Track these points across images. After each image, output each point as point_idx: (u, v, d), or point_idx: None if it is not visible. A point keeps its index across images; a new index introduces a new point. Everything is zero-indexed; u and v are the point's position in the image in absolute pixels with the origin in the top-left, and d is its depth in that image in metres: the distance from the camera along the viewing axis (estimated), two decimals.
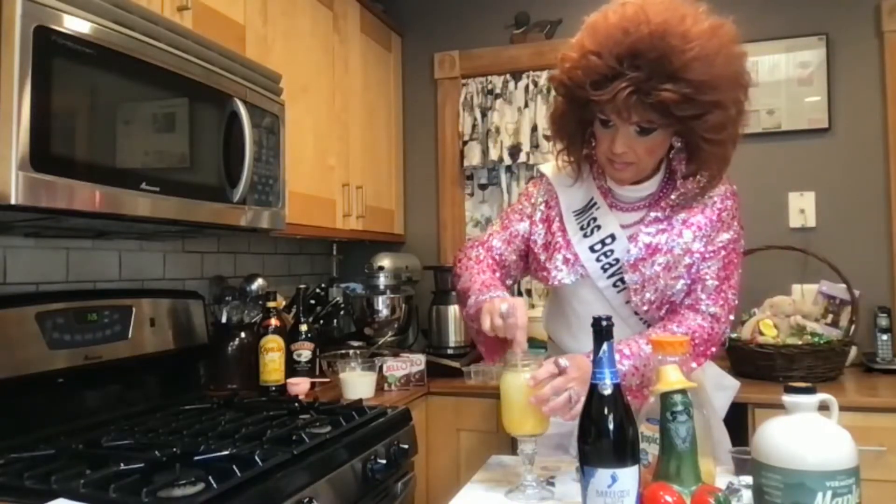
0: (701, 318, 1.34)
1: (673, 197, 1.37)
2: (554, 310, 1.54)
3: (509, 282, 1.51)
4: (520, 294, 2.84)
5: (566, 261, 1.40)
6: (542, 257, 1.43)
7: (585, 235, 1.40)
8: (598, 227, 1.39)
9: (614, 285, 1.38)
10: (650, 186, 1.39)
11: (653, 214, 1.38)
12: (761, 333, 2.16)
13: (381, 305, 2.65)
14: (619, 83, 1.17)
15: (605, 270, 1.38)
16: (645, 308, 1.37)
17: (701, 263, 1.35)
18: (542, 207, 1.47)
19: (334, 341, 2.59)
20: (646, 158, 1.31)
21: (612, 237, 1.38)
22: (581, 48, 1.24)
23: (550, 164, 1.52)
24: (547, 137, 2.75)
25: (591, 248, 1.39)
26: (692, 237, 1.35)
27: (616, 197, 1.41)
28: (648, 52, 1.15)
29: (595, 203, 1.42)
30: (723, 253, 1.36)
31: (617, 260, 1.37)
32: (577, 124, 1.36)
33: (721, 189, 1.39)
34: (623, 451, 0.90)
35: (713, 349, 1.37)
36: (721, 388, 1.56)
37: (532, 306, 2.76)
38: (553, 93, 1.45)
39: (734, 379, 1.64)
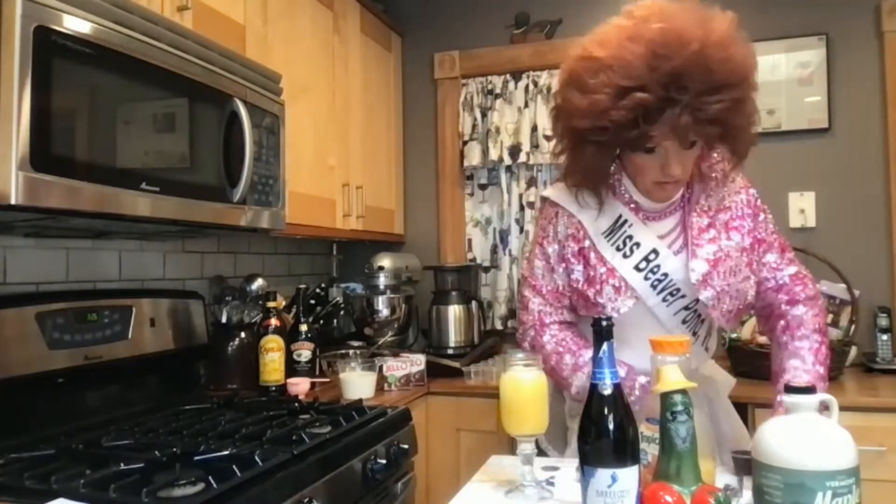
0: (803, 305, 1.39)
1: (703, 201, 1.38)
2: (584, 325, 1.46)
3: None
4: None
5: (616, 289, 1.34)
6: (591, 293, 1.36)
7: (626, 256, 1.35)
8: (637, 244, 1.35)
9: (664, 300, 1.34)
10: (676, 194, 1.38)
11: (696, 223, 1.35)
12: (761, 333, 2.16)
13: (381, 305, 2.65)
14: (672, 111, 1.13)
15: (654, 287, 1.34)
16: (725, 319, 1.35)
17: (762, 256, 1.39)
18: (571, 243, 1.41)
19: (334, 341, 2.59)
20: (687, 172, 1.29)
21: (656, 252, 1.34)
22: (614, 86, 1.15)
23: (558, 191, 1.44)
24: (548, 138, 2.75)
25: (637, 268, 1.34)
26: (741, 237, 1.37)
27: (646, 209, 1.37)
28: (693, 72, 1.12)
29: (625, 220, 1.36)
30: (774, 236, 1.41)
31: (665, 275, 1.33)
32: (607, 162, 1.31)
33: (738, 183, 1.42)
34: (623, 451, 0.90)
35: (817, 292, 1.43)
36: (720, 384, 1.55)
37: None
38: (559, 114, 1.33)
39: (729, 376, 1.63)
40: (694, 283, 1.31)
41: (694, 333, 1.38)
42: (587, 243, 1.38)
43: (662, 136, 1.19)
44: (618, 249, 1.35)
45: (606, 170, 1.34)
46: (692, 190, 1.39)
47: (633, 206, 1.37)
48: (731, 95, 1.14)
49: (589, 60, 1.20)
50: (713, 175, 1.38)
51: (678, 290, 1.34)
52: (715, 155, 1.37)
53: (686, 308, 1.35)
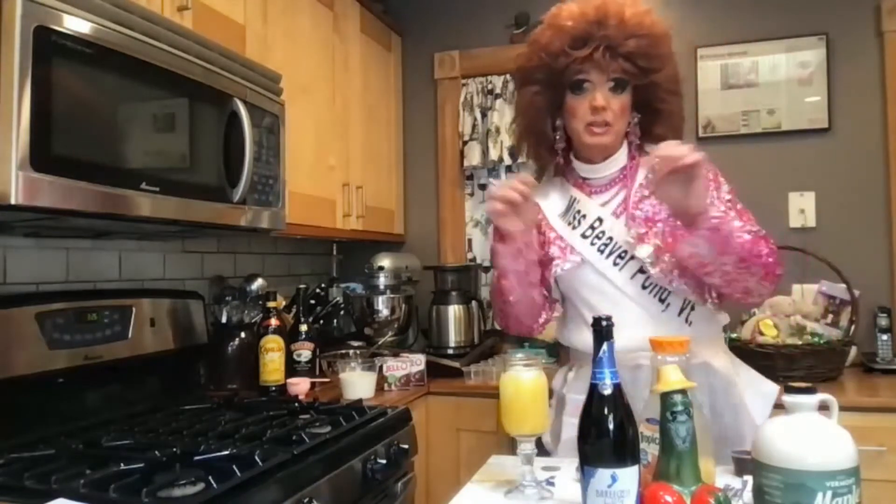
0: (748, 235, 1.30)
1: (644, 176, 1.43)
2: (567, 319, 1.54)
3: (552, 299, 1.55)
4: None
5: (561, 249, 1.46)
6: (542, 255, 1.48)
7: (574, 227, 1.47)
8: (584, 216, 1.46)
9: (614, 264, 1.41)
10: (620, 159, 1.47)
11: (638, 194, 1.44)
12: (761, 333, 2.16)
13: (381, 305, 2.65)
14: (593, 42, 1.36)
15: (601, 252, 1.42)
16: (669, 279, 1.38)
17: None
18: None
19: (334, 341, 2.59)
20: (619, 120, 1.42)
21: (599, 220, 1.44)
22: (552, 26, 1.42)
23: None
24: None
25: (583, 235, 1.45)
26: None
27: (591, 183, 1.49)
28: (610, 19, 1.36)
29: (575, 199, 1.49)
30: (729, 204, 1.38)
31: (611, 238, 1.42)
32: (546, 111, 1.47)
33: None
34: (623, 451, 0.90)
35: (779, 268, 1.36)
36: (760, 394, 1.48)
37: None
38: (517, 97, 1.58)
39: (773, 383, 1.53)
40: (631, 239, 1.39)
41: (661, 300, 1.39)
42: (541, 217, 1.51)
43: (587, 65, 1.38)
44: (568, 223, 1.48)
45: (547, 125, 1.49)
46: (635, 167, 1.47)
47: (580, 181, 1.51)
48: (643, 44, 1.37)
49: (540, 27, 1.46)
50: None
51: (625, 252, 1.40)
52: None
53: (641, 272, 1.39)
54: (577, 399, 1.43)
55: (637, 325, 1.31)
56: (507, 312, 1.50)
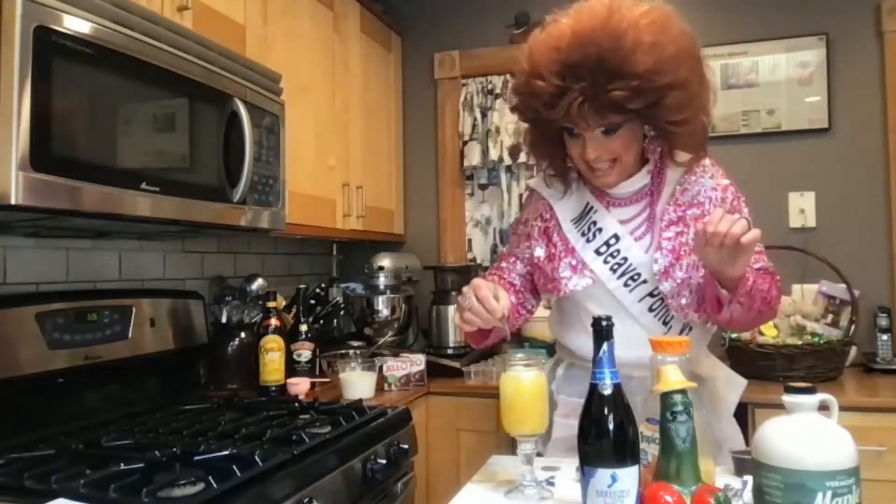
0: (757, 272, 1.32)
1: (678, 194, 1.38)
2: (565, 317, 1.50)
3: (527, 306, 1.52)
4: None
5: (573, 267, 1.39)
6: (549, 269, 1.42)
7: (588, 240, 1.40)
8: (600, 229, 1.40)
9: (625, 285, 1.37)
10: (641, 178, 1.40)
11: (665, 214, 1.38)
12: (761, 333, 2.16)
13: (381, 305, 2.65)
14: (567, 98, 1.21)
15: (613, 271, 1.37)
16: (685, 312, 1.36)
17: None
18: (538, 222, 1.48)
19: (334, 341, 2.59)
20: (624, 156, 1.33)
21: (616, 237, 1.38)
22: (523, 73, 1.30)
23: (538, 179, 1.53)
24: None
25: (597, 252, 1.39)
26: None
27: (611, 195, 1.42)
28: (584, 62, 1.19)
29: (592, 207, 1.42)
30: None
31: (625, 259, 1.37)
32: (548, 141, 1.39)
33: (716, 180, 1.42)
34: (623, 451, 0.90)
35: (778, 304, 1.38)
36: (732, 386, 1.54)
37: None
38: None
39: (741, 377, 1.60)
40: (655, 273, 1.34)
41: (665, 323, 1.37)
42: (552, 223, 1.45)
43: (565, 121, 1.27)
44: (582, 234, 1.40)
45: (556, 151, 1.40)
46: (663, 179, 1.40)
47: (598, 192, 1.43)
48: (633, 84, 1.18)
49: (524, 55, 1.33)
50: (693, 168, 1.40)
51: (639, 275, 1.36)
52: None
53: (651, 295, 1.36)
54: (567, 400, 1.44)
55: (637, 344, 1.24)
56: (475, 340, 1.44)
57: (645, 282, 1.36)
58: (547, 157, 1.44)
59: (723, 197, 1.40)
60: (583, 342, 1.45)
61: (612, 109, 1.22)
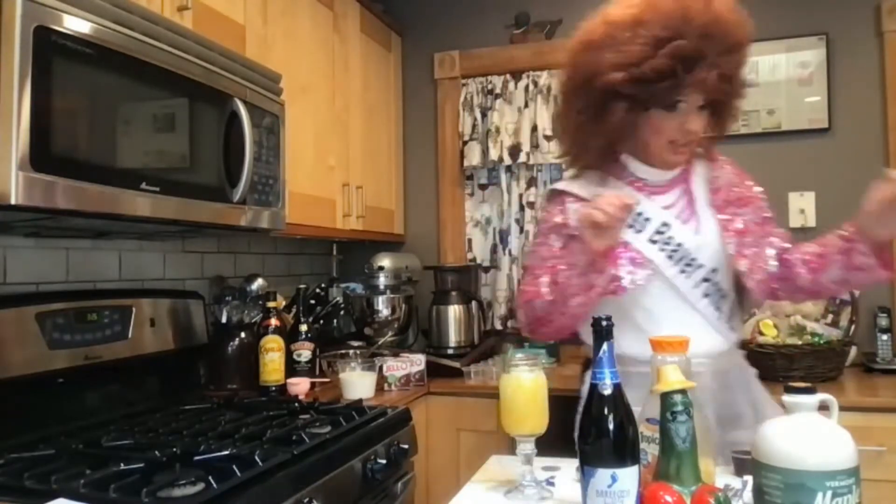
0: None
1: (712, 182, 1.42)
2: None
3: None
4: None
5: (633, 261, 1.36)
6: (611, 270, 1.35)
7: (638, 231, 1.38)
8: (647, 219, 1.38)
9: (682, 271, 1.36)
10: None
11: (715, 202, 1.41)
12: (761, 333, 2.16)
13: (381, 305, 2.65)
14: (703, 62, 1.21)
15: (670, 258, 1.36)
16: (762, 288, 1.38)
17: (771, 231, 1.43)
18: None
19: (334, 341, 2.59)
20: (700, 134, 1.34)
21: (666, 224, 1.38)
22: (652, 38, 1.23)
23: (568, 181, 1.49)
24: (548, 138, 2.75)
25: (651, 241, 1.37)
26: (752, 215, 1.42)
27: (649, 184, 1.42)
28: (717, 29, 1.21)
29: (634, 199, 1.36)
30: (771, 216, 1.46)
31: (679, 245, 1.36)
32: (633, 120, 1.34)
33: (729, 167, 1.48)
34: (623, 451, 0.90)
35: None
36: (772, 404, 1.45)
37: None
38: (559, 96, 1.48)
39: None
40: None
41: (717, 309, 1.37)
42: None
43: (693, 87, 1.25)
44: (630, 227, 1.35)
45: (630, 131, 1.35)
46: (693, 166, 1.42)
47: (637, 184, 1.41)
48: (744, 57, 1.25)
49: (617, 20, 1.28)
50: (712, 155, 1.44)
51: (694, 259, 1.35)
52: None
53: (706, 280, 1.36)
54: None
55: (698, 331, 1.21)
56: (555, 321, 1.36)
57: (701, 266, 1.36)
58: (596, 146, 1.39)
59: (747, 185, 1.45)
60: (640, 346, 1.30)
61: (728, 81, 1.26)
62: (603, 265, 1.27)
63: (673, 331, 0.98)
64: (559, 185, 1.51)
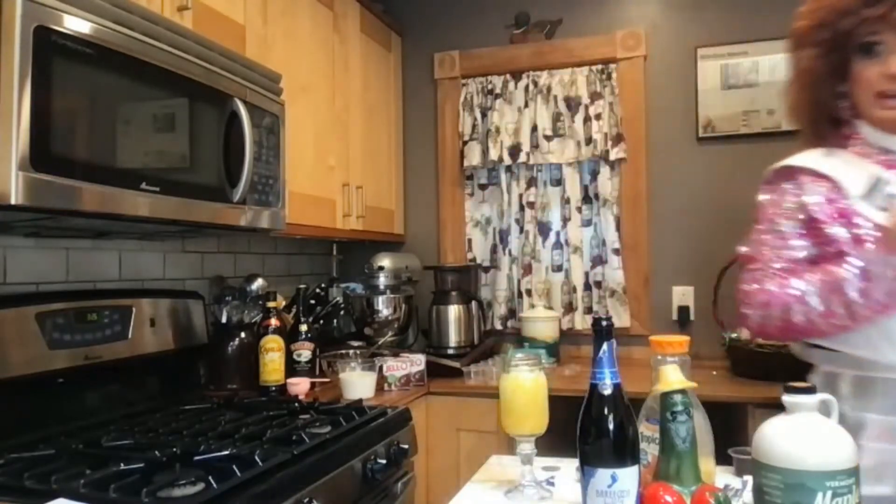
0: None
1: None
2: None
3: None
4: (519, 294, 2.84)
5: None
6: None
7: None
8: None
9: None
10: None
11: None
12: None
13: (381, 305, 2.65)
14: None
15: None
16: None
17: None
18: (825, 205, 1.24)
19: (334, 341, 2.59)
20: None
21: None
22: None
23: (800, 156, 1.33)
24: (548, 138, 2.75)
25: None
26: None
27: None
28: None
29: (880, 178, 1.20)
30: None
31: None
32: (826, 76, 1.25)
33: None
34: (623, 451, 0.90)
35: None
36: None
37: (532, 306, 2.76)
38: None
39: None
40: None
41: None
42: (847, 202, 1.21)
43: (885, 24, 1.16)
44: (881, 210, 1.17)
45: (826, 81, 1.26)
46: None
47: (884, 157, 1.22)
48: None
49: None
50: None
51: None
52: None
53: None
54: (882, 420, 1.19)
55: None
56: (819, 331, 1.22)
57: None
58: (811, 108, 1.29)
59: None
60: (879, 345, 1.19)
61: None
62: None
63: None
64: (793, 161, 1.33)
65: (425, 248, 3.00)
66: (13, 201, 1.10)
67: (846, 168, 1.24)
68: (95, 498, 1.06)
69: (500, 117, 2.85)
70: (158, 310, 1.87)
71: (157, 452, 1.25)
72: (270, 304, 2.04)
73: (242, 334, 2.10)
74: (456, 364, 2.37)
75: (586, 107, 2.74)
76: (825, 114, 1.29)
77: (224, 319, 2.10)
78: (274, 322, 2.02)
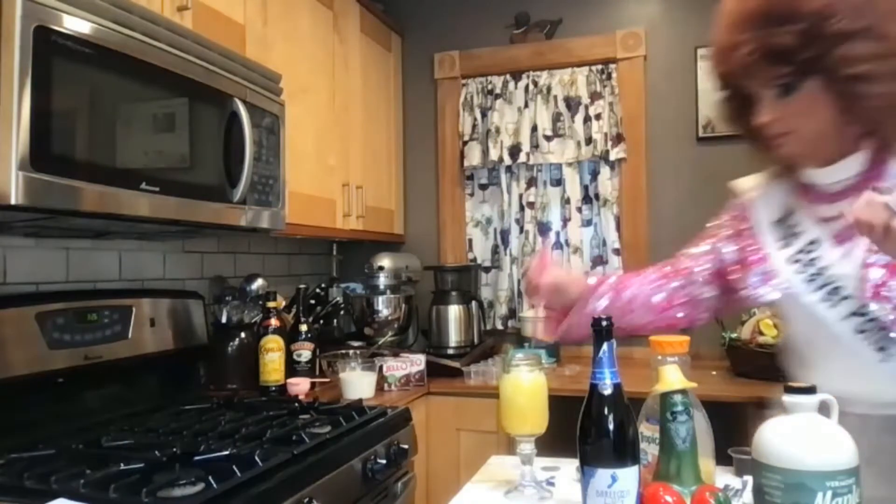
0: None
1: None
2: (786, 342, 1.31)
3: (705, 314, 1.34)
4: (520, 294, 2.84)
5: (763, 278, 1.20)
6: (738, 276, 1.25)
7: (783, 247, 1.20)
8: (798, 233, 1.19)
9: (824, 300, 1.12)
10: (849, 166, 1.14)
11: None
12: (761, 333, 2.16)
13: (381, 305, 2.65)
14: (739, 50, 1.11)
15: (810, 283, 1.14)
16: None
17: None
18: (732, 222, 1.32)
19: (334, 341, 2.59)
20: (803, 125, 1.12)
21: (814, 242, 1.16)
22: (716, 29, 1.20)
23: (748, 178, 1.38)
24: (548, 138, 2.75)
25: (793, 260, 1.17)
26: None
27: (817, 190, 1.19)
28: (758, 8, 1.10)
29: (793, 210, 1.22)
30: None
31: (823, 268, 1.13)
32: (739, 118, 1.27)
33: None
34: (623, 451, 0.90)
35: None
36: None
37: (532, 306, 2.76)
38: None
39: None
40: (866, 290, 1.08)
41: (881, 349, 1.09)
42: (746, 226, 1.28)
43: (740, 78, 1.16)
44: (779, 240, 1.21)
45: (743, 125, 1.26)
46: (880, 171, 1.13)
47: (803, 186, 1.22)
48: (801, 27, 1.04)
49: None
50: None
51: (838, 288, 1.11)
52: None
53: (859, 314, 1.10)
54: None
55: (849, 373, 1.08)
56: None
57: (848, 297, 1.10)
58: (734, 125, 1.32)
59: None
60: (794, 368, 1.24)
61: (780, 60, 1.08)
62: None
63: (825, 374, 0.94)
64: (739, 183, 1.41)
65: (425, 248, 3.00)
66: (13, 201, 1.10)
67: (774, 192, 1.27)
68: (95, 498, 1.06)
69: (500, 117, 2.85)
70: (158, 310, 1.87)
71: (157, 452, 1.25)
72: (270, 304, 2.04)
73: (242, 334, 2.10)
74: (456, 364, 2.37)
75: (586, 107, 2.75)
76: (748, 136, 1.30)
77: (224, 319, 2.10)
78: (274, 322, 2.02)
